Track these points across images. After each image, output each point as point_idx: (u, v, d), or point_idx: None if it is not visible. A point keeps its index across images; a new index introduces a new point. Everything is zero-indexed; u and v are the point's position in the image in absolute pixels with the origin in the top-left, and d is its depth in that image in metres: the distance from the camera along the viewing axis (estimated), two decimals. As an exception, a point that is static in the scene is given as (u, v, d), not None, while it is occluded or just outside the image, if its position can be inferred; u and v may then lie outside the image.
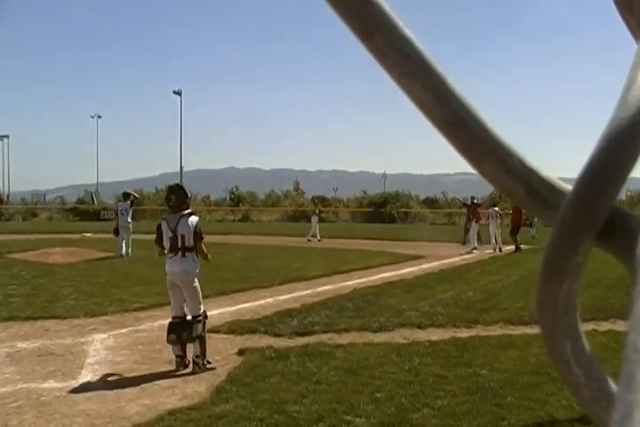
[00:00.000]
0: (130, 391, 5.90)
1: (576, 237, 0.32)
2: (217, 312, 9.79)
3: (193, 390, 5.88)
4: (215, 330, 8.41)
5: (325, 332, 8.26)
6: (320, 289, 12.23)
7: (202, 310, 6.86)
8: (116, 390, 5.94)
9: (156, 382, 6.18)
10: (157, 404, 5.49)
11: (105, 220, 44.22)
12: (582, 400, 0.35)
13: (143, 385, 6.10)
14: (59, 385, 6.13)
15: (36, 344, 7.73)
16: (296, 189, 62.65)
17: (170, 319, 6.90)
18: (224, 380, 6.12)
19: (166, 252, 7.02)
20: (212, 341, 7.89)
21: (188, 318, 6.81)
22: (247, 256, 19.61)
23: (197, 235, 6.98)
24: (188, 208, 7.14)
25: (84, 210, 51.34)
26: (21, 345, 7.66)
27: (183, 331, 6.66)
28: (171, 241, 6.92)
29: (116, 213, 19.26)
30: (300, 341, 7.77)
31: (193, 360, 6.62)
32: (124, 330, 8.55)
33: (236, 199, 60.04)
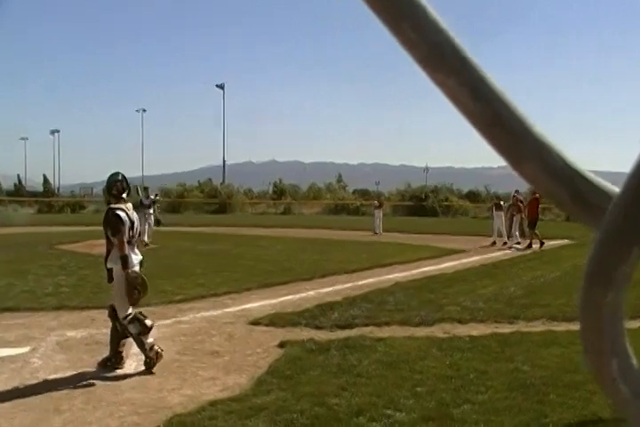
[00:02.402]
0: (172, 381, 5.97)
1: (624, 245, 0.30)
2: (258, 305, 9.85)
3: (234, 381, 5.91)
4: (256, 322, 8.46)
5: (366, 325, 8.24)
6: (361, 282, 12.20)
7: None
8: (158, 380, 6.02)
9: (198, 373, 6.23)
10: (199, 394, 5.54)
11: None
12: (630, 416, 0.32)
13: (185, 376, 6.16)
14: (105, 374, 6.24)
15: (84, 333, 7.88)
16: (338, 182, 62.56)
17: (132, 316, 6.59)
18: (265, 372, 6.14)
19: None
20: (254, 333, 7.95)
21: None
22: (289, 249, 19.67)
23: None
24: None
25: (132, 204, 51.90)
26: (70, 334, 7.81)
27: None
28: (131, 233, 6.71)
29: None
30: (341, 334, 7.75)
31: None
32: (167, 321, 8.63)
33: (279, 192, 60.20)
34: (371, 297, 10.31)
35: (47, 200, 59.14)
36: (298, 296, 10.68)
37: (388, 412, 4.88)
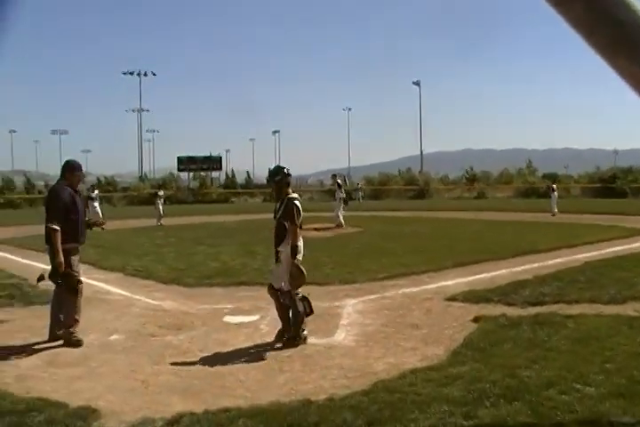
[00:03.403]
0: (377, 350, 6.05)
1: None
2: (454, 282, 9.71)
3: (432, 352, 5.88)
4: (452, 298, 8.35)
5: (556, 302, 7.81)
6: (552, 262, 11.59)
7: None
8: (364, 349, 6.13)
9: (400, 344, 6.27)
10: (400, 363, 5.57)
11: (360, 198, 45.68)
12: None
13: (388, 346, 6.22)
14: (319, 341, 6.46)
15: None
16: (528, 167, 59.88)
17: (301, 295, 6.58)
18: (460, 344, 6.04)
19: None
20: (450, 308, 7.85)
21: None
22: (482, 230, 19.20)
23: None
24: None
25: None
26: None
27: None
28: (301, 223, 6.61)
29: None
30: (532, 310, 7.42)
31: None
32: (372, 296, 8.77)
33: (472, 178, 58.94)
34: (560, 275, 9.77)
35: (270, 191, 62.31)
36: (491, 274, 10.38)
37: (578, 386, 4.60)
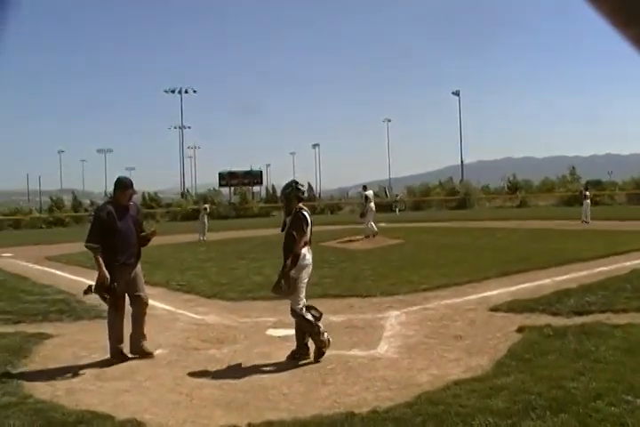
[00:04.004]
0: (420, 362, 6.00)
1: None
2: (497, 292, 9.57)
3: (476, 363, 5.80)
4: (496, 309, 8.23)
5: (603, 312, 7.62)
6: (597, 270, 11.33)
7: None
8: (408, 360, 6.08)
9: (443, 355, 6.20)
10: (444, 374, 5.51)
11: (401, 210, 45.50)
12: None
13: (432, 357, 6.16)
14: (362, 353, 6.42)
15: (344, 318, 8.16)
16: (571, 174, 58.82)
17: (310, 309, 6.42)
18: (504, 355, 5.94)
19: (304, 244, 6.38)
20: (493, 319, 7.74)
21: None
22: (525, 239, 18.93)
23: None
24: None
25: (377, 203, 53.22)
26: (332, 319, 8.12)
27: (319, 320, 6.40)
28: (310, 234, 6.47)
29: None
30: (578, 320, 7.25)
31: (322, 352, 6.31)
32: (414, 308, 8.70)
33: (513, 187, 58.21)
34: (607, 284, 9.54)
35: (311, 204, 62.60)
36: (534, 284, 10.19)
37: (628, 398, 4.47)
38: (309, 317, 6.32)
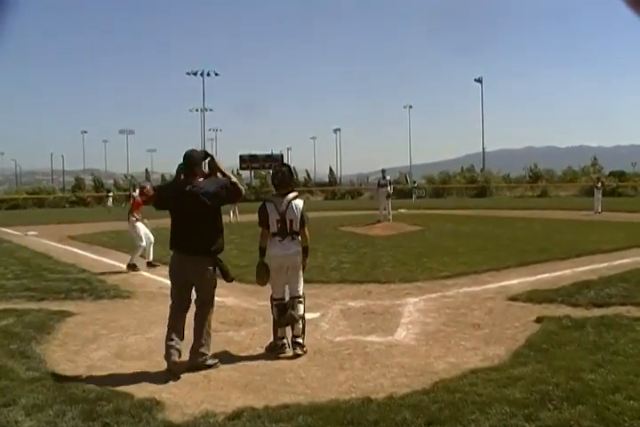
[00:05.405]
0: (437, 349, 5.98)
1: None
2: (516, 282, 9.51)
3: (494, 352, 5.77)
4: (514, 298, 8.18)
5: (623, 304, 7.52)
6: (617, 262, 11.20)
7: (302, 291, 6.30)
8: (425, 348, 6.06)
9: (461, 343, 6.17)
10: (461, 362, 5.49)
11: (419, 197, 45.34)
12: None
13: (449, 345, 6.13)
14: (379, 339, 6.42)
15: (362, 304, 8.16)
16: (593, 165, 58.14)
17: (275, 302, 6.24)
18: (522, 345, 5.90)
19: (272, 235, 6.14)
20: (512, 308, 7.69)
21: (287, 298, 6.21)
22: (545, 229, 18.78)
23: (303, 221, 6.23)
24: (293, 190, 6.27)
25: (399, 189, 53.20)
26: (351, 304, 8.15)
27: (284, 312, 6.11)
28: (280, 224, 6.08)
29: None
30: (597, 312, 7.18)
31: (294, 341, 6.05)
32: (432, 295, 8.67)
33: (535, 176, 57.68)
34: (628, 277, 9.43)
35: (331, 189, 62.70)
36: (554, 274, 10.11)
37: (647, 391, 4.43)
38: (274, 313, 6.19)
